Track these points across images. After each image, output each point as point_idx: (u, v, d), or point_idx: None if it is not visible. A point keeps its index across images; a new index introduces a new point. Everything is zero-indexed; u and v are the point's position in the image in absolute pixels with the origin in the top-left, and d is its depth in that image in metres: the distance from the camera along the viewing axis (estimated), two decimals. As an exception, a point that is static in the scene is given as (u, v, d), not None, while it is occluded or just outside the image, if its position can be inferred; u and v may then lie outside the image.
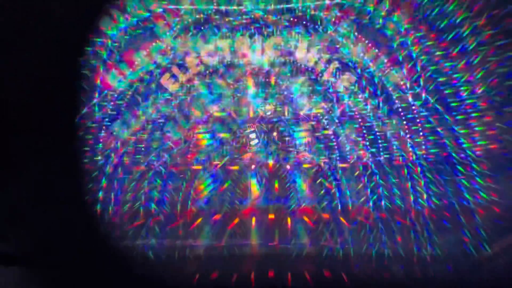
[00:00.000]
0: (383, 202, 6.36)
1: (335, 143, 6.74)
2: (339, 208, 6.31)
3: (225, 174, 6.56)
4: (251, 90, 6.87)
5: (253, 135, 6.82)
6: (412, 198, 6.30)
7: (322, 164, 6.58)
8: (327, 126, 6.77)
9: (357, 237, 6.03)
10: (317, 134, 6.72)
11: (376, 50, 6.58)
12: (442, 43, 6.27)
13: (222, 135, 6.74)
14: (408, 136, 6.51)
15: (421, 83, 6.43)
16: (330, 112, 6.82)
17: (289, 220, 6.30)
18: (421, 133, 6.49)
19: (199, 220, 6.30)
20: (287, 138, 6.77)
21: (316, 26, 6.70)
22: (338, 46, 6.68)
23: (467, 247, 5.70)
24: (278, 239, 6.17)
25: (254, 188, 6.63)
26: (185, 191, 6.46)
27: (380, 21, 6.51)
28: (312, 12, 6.68)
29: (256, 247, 6.18)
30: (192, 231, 6.22)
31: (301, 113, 6.76)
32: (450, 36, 6.13)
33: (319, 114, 6.81)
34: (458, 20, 6.05)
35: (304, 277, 5.34)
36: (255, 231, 6.28)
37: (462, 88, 6.28)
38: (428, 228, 6.02)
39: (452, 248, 5.77)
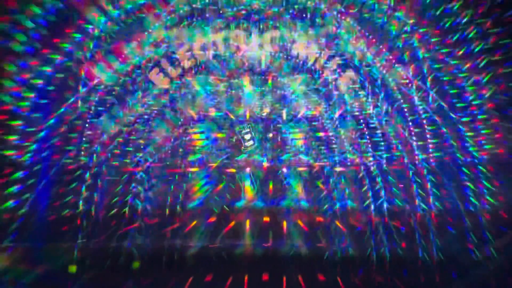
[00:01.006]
0: (384, 206, 6.16)
1: (334, 146, 6.52)
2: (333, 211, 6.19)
3: (220, 175, 6.42)
4: (247, 88, 6.52)
5: (248, 136, 6.59)
6: (416, 202, 6.11)
7: (318, 166, 6.43)
8: (326, 128, 6.56)
9: (355, 240, 5.91)
10: (314, 136, 6.53)
11: (380, 46, 6.27)
12: (447, 41, 6.11)
13: (217, 135, 6.58)
14: (413, 138, 6.26)
15: (428, 83, 6.19)
16: (330, 113, 6.54)
17: (284, 222, 6.19)
18: (427, 135, 6.25)
19: (194, 222, 6.14)
20: (283, 140, 6.60)
21: (317, 20, 6.32)
22: (340, 41, 6.36)
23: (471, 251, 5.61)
24: (272, 241, 6.06)
25: (248, 189, 6.45)
26: (178, 192, 6.27)
27: (385, 17, 6.23)
28: (314, 5, 6.33)
29: (250, 249, 6.05)
30: (186, 233, 6.05)
31: (299, 115, 6.56)
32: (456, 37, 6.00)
33: (318, 115, 6.59)
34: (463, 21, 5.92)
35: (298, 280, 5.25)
36: (249, 232, 6.14)
37: (468, 89, 6.12)
38: (431, 232, 5.86)
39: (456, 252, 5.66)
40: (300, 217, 6.24)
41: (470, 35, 5.96)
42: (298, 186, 6.41)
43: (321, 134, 6.53)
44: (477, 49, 5.97)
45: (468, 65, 6.04)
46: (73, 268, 5.58)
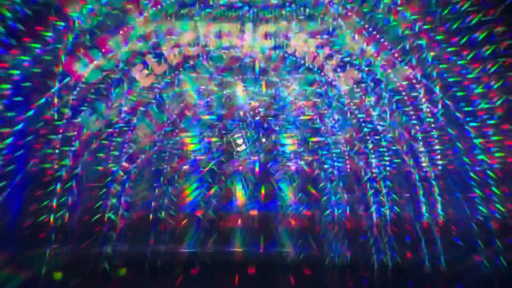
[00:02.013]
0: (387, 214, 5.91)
1: (332, 150, 6.26)
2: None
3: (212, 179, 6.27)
4: (239, 89, 6.23)
5: (240, 140, 6.41)
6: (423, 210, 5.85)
7: (311, 171, 6.27)
8: (324, 132, 6.29)
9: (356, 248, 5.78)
10: (309, 140, 6.30)
11: (384, 43, 5.85)
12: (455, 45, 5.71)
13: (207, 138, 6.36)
14: (420, 145, 5.93)
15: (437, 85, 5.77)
16: (329, 115, 6.24)
17: (278, 227, 6.07)
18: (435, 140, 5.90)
19: (184, 226, 6.03)
20: (275, 144, 6.41)
21: (316, 14, 5.83)
22: (340, 37, 5.94)
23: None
24: (264, 246, 5.98)
25: (240, 194, 6.29)
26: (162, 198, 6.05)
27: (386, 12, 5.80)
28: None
29: (241, 254, 5.94)
30: (176, 237, 5.93)
31: (293, 118, 6.32)
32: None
33: (315, 118, 6.31)
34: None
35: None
36: (241, 237, 6.04)
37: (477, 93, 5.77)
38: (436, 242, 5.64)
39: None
40: (292, 222, 6.12)
41: (480, 37, 5.63)
42: (289, 191, 6.26)
43: (315, 139, 6.32)
44: (487, 52, 5.64)
45: (477, 69, 5.72)
46: (58, 275, 5.36)
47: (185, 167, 6.24)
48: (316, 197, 6.11)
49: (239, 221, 6.12)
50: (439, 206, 5.74)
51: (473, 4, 5.54)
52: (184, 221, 6.05)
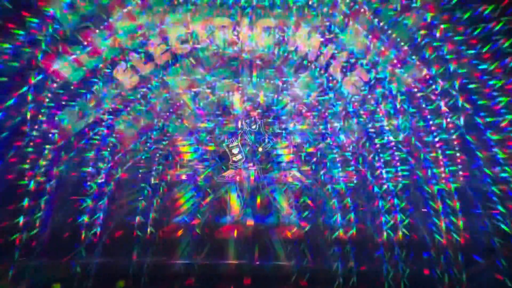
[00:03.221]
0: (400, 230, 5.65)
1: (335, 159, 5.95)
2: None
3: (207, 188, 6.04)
4: (235, 93, 5.92)
5: (236, 150, 6.19)
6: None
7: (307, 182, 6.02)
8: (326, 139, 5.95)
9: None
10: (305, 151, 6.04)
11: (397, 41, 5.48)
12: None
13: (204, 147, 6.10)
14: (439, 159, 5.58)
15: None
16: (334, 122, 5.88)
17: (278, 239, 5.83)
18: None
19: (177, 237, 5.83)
20: (272, 154, 6.16)
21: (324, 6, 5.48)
22: (347, 34, 5.54)
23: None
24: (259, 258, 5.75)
25: (234, 204, 6.08)
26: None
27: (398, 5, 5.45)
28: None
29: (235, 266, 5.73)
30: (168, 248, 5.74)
31: (294, 125, 6.03)
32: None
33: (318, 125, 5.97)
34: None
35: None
36: (235, 249, 5.79)
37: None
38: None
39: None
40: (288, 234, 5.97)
41: (496, 28, 5.32)
42: (284, 202, 6.11)
43: (316, 148, 6.08)
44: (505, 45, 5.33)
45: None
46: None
47: (182, 176, 6.09)
48: (315, 209, 5.94)
49: (235, 231, 5.95)
50: (459, 222, 5.47)
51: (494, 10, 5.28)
52: (179, 232, 5.91)
